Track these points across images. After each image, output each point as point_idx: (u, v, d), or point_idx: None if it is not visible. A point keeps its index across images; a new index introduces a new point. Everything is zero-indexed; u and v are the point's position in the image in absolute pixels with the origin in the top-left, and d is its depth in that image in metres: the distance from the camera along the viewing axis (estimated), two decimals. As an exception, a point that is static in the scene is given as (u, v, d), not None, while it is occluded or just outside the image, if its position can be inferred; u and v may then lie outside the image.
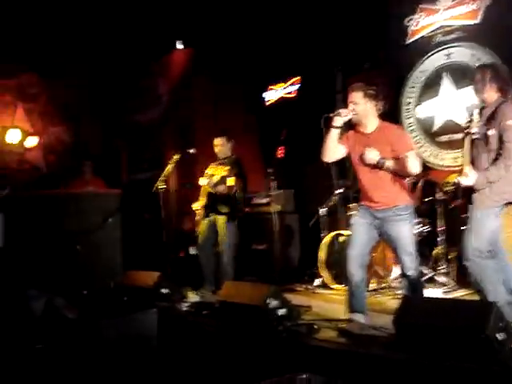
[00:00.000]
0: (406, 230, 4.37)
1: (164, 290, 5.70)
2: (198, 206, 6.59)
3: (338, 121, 4.40)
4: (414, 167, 4.32)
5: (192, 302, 5.64)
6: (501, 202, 4.13)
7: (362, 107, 4.41)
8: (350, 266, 4.43)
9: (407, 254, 4.34)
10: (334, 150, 4.52)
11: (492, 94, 4.22)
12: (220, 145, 6.63)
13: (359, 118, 4.46)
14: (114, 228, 7.23)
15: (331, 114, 4.43)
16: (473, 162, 4.20)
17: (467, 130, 4.05)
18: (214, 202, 6.44)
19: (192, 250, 7.15)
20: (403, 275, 4.44)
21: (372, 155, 4.32)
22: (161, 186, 6.63)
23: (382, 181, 4.39)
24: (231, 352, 4.38)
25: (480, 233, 4.10)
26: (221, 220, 6.38)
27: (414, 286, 4.36)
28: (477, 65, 4.52)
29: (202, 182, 6.52)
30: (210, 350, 4.51)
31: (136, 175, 10.82)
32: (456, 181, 4.13)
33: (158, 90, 10.53)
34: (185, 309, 5.45)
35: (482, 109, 4.34)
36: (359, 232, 4.49)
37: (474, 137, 4.05)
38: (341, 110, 4.43)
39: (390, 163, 4.31)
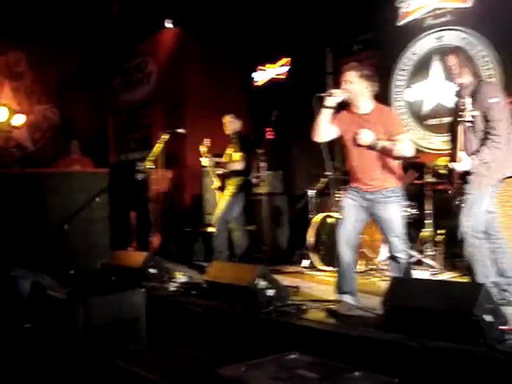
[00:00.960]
0: (396, 212, 4.37)
1: (152, 270, 5.68)
2: (215, 186, 6.88)
3: (330, 100, 4.35)
4: (407, 149, 4.31)
5: (180, 282, 5.62)
6: (496, 179, 4.23)
7: (356, 87, 4.36)
8: (339, 246, 4.44)
9: (396, 236, 4.35)
10: (325, 130, 4.47)
11: (467, 77, 4.31)
12: (228, 122, 6.78)
13: (352, 98, 4.41)
14: (101, 207, 7.20)
15: (323, 94, 4.38)
16: (453, 145, 4.33)
17: (461, 119, 4.04)
18: (223, 179, 6.75)
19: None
20: (391, 257, 4.45)
21: (366, 136, 4.29)
22: (149, 165, 6.59)
23: (373, 163, 4.37)
24: (219, 332, 4.38)
25: (475, 212, 4.17)
26: (227, 194, 6.62)
27: (402, 267, 4.38)
28: (446, 50, 4.55)
29: (204, 161, 6.78)
30: (198, 331, 4.52)
31: (124, 155, 10.78)
32: (450, 167, 4.14)
33: (146, 69, 10.45)
34: (173, 289, 5.43)
35: (458, 92, 4.45)
36: (349, 213, 4.48)
37: (468, 124, 4.06)
38: (333, 90, 4.39)
39: (383, 145, 4.30)
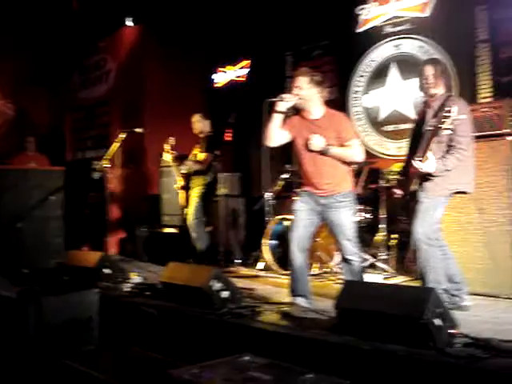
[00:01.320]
0: (347, 216, 4.42)
1: (106, 270, 5.62)
2: (178, 186, 6.86)
3: (282, 106, 4.38)
4: (357, 155, 4.40)
5: (135, 282, 5.58)
6: (450, 192, 4.31)
7: (306, 92, 4.39)
8: (291, 250, 4.48)
9: (347, 240, 4.40)
10: (276, 135, 4.49)
11: (441, 89, 4.38)
12: (196, 121, 6.78)
13: (304, 103, 4.43)
14: (56, 206, 7.09)
15: (274, 99, 4.40)
16: (411, 153, 4.36)
17: (442, 126, 4.02)
18: (187, 178, 6.78)
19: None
20: (344, 260, 4.51)
21: (318, 142, 4.34)
22: (106, 164, 6.53)
23: (325, 167, 4.41)
24: (173, 333, 4.37)
25: (428, 220, 4.26)
26: (192, 195, 6.65)
27: (354, 271, 4.43)
28: (425, 60, 4.60)
29: (165, 157, 6.80)
30: (152, 332, 4.49)
31: (81, 153, 10.64)
32: (416, 165, 4.14)
33: (105, 67, 10.33)
34: (127, 289, 5.39)
35: (425, 102, 4.50)
36: (301, 216, 4.52)
37: (444, 132, 4.07)
38: (284, 95, 4.39)
39: (334, 150, 4.35)
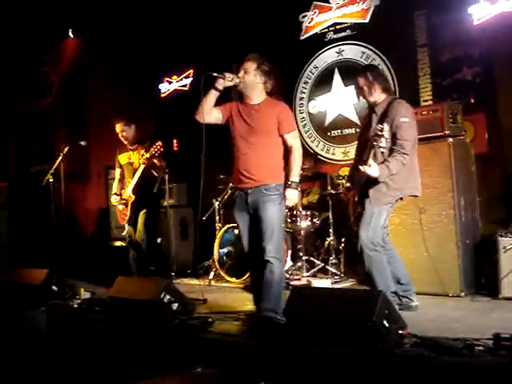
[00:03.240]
0: (274, 212, 4.20)
1: (54, 287, 5.50)
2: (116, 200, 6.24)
3: (221, 83, 4.25)
4: (299, 148, 4.32)
5: (83, 298, 5.48)
6: (395, 198, 4.36)
7: (250, 78, 4.30)
8: (248, 264, 4.44)
9: (269, 237, 4.16)
10: (208, 112, 4.33)
11: (379, 95, 4.42)
12: (121, 130, 6.16)
13: (245, 88, 4.32)
14: None
15: (215, 74, 4.26)
16: (358, 159, 4.42)
17: (376, 144, 4.04)
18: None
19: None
20: (262, 260, 4.19)
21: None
22: (50, 179, 6.39)
23: (258, 155, 4.26)
24: (124, 349, 4.29)
25: (374, 227, 4.30)
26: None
27: (274, 273, 4.16)
28: (358, 69, 4.65)
29: (114, 200, 6.22)
30: (102, 348, 4.41)
31: (25, 168, 10.41)
32: (362, 169, 4.12)
33: (48, 79, 10.15)
34: (76, 306, 5.28)
35: (371, 109, 4.52)
36: (242, 224, 4.41)
37: (381, 150, 4.13)
38: (226, 73, 4.25)
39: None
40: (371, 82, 4.41)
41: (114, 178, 6.50)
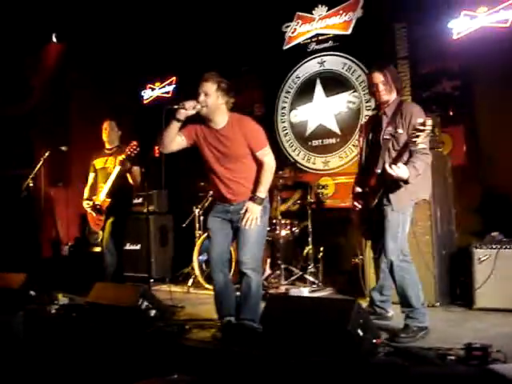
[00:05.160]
0: (254, 224, 4.12)
1: (32, 292, 5.48)
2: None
3: (182, 114, 4.08)
4: (272, 163, 4.20)
5: (61, 304, 5.46)
6: (414, 201, 4.17)
7: (212, 100, 4.11)
8: (212, 271, 4.28)
9: (248, 250, 4.11)
10: (172, 142, 4.20)
11: (393, 95, 4.19)
12: (109, 129, 6.07)
13: (208, 112, 4.13)
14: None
15: (175, 106, 4.10)
16: (369, 163, 4.23)
17: (414, 141, 3.67)
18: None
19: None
20: (240, 272, 4.18)
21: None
22: (30, 183, 6.36)
23: (237, 179, 4.21)
24: (100, 354, 4.29)
25: (400, 235, 4.07)
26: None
27: (250, 286, 4.12)
28: (373, 66, 4.27)
29: (86, 206, 6.07)
30: (78, 353, 4.40)
31: (4, 172, 10.32)
32: (391, 171, 3.81)
33: (29, 83, 10.10)
34: (54, 311, 5.26)
35: (379, 110, 4.28)
36: (215, 233, 4.30)
37: (412, 148, 3.84)
38: (186, 103, 4.08)
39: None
40: (392, 81, 4.16)
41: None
